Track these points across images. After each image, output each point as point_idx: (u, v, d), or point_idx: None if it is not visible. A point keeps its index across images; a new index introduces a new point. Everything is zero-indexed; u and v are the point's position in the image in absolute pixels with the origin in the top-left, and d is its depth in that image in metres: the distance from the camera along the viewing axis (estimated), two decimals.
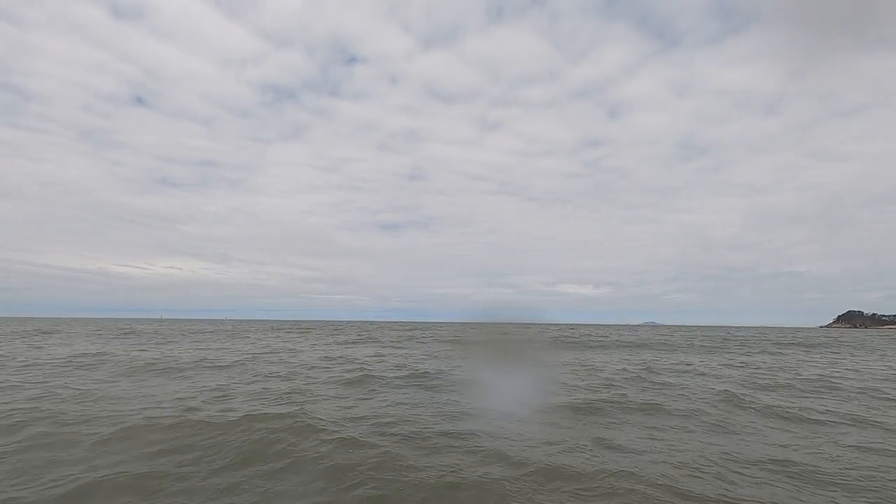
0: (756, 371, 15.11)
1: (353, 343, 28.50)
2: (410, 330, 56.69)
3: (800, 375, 14.09)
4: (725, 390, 10.44)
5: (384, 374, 12.97)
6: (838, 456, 5.94)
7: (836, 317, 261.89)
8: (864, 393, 10.83)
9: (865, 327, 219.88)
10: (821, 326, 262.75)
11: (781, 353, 25.29)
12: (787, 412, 8.42)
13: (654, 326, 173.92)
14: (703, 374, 14.22)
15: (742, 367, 16.70)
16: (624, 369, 14.84)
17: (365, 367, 14.84)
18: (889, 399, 10.14)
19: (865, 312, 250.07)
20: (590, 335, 43.18)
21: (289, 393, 9.66)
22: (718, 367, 16.58)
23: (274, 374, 12.86)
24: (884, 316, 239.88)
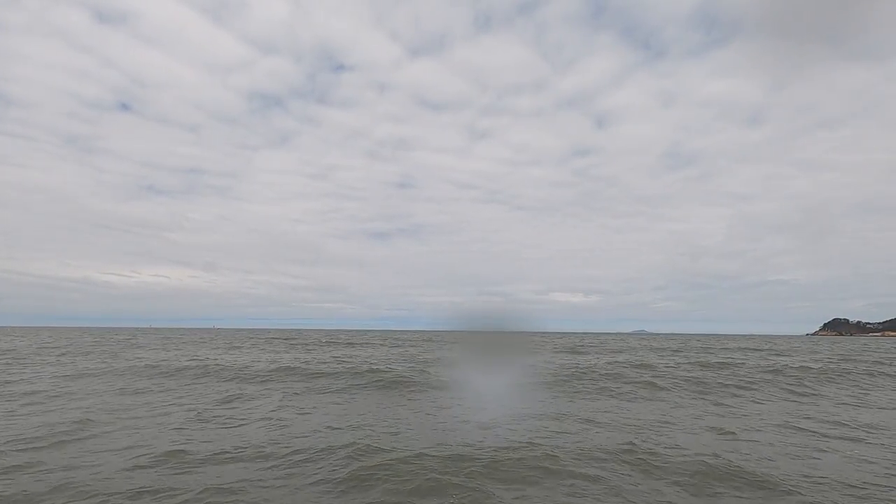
0: None
1: None
2: (384, 342, 42.53)
3: None
4: None
5: None
6: None
7: (821, 325, 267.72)
8: None
9: (850, 335, 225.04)
10: (807, 334, 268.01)
11: None
12: None
13: (646, 335, 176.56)
14: None
15: None
16: None
17: None
18: None
19: (850, 320, 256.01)
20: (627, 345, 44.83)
21: None
22: None
23: None
24: (868, 324, 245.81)
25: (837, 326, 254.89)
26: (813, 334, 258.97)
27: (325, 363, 17.86)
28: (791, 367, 17.71)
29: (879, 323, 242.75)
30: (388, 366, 16.75)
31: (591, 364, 18.34)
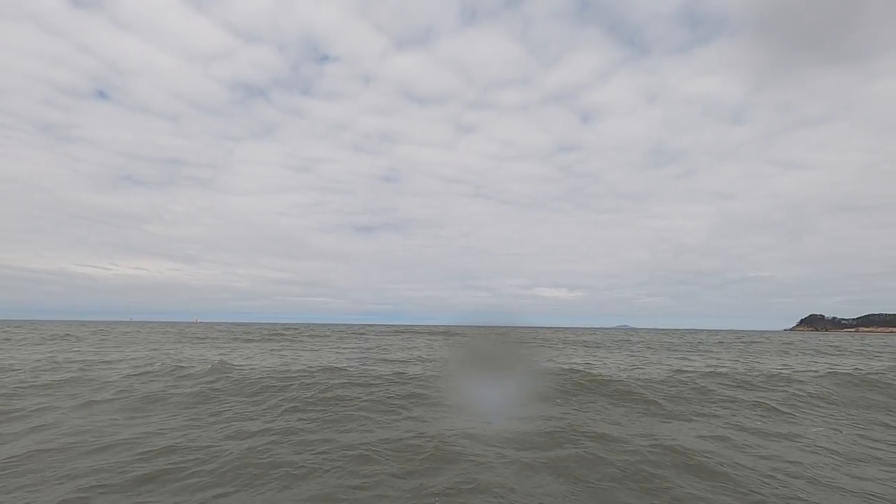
0: None
1: None
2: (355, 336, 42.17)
3: None
4: None
5: None
6: None
7: (798, 320, 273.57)
8: None
9: (826, 330, 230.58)
10: (784, 330, 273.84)
11: None
12: None
13: (629, 330, 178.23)
14: None
15: None
16: None
17: None
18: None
19: (826, 316, 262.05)
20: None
21: None
22: None
23: None
24: (843, 319, 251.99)
25: (813, 322, 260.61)
26: (790, 329, 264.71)
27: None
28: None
29: (853, 319, 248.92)
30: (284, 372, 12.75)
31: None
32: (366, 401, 8.96)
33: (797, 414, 8.98)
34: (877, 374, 14.17)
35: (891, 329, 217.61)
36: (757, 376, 13.11)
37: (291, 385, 10.39)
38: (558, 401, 9.46)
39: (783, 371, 14.82)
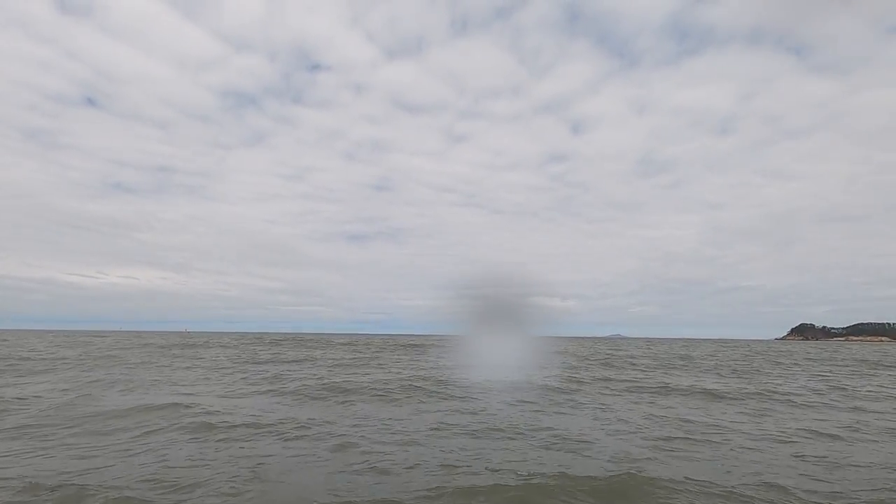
0: None
1: None
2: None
3: None
4: None
5: None
6: None
7: (789, 329, 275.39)
8: None
9: (816, 339, 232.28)
10: (775, 339, 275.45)
11: None
12: None
13: (623, 339, 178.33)
14: None
15: None
16: None
17: None
18: None
19: (816, 325, 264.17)
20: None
21: None
22: None
23: None
24: (833, 329, 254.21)
25: (804, 331, 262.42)
26: (782, 339, 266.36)
27: None
28: None
29: (843, 328, 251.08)
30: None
31: None
32: None
33: None
34: None
35: (880, 338, 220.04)
36: None
37: None
38: None
39: None
